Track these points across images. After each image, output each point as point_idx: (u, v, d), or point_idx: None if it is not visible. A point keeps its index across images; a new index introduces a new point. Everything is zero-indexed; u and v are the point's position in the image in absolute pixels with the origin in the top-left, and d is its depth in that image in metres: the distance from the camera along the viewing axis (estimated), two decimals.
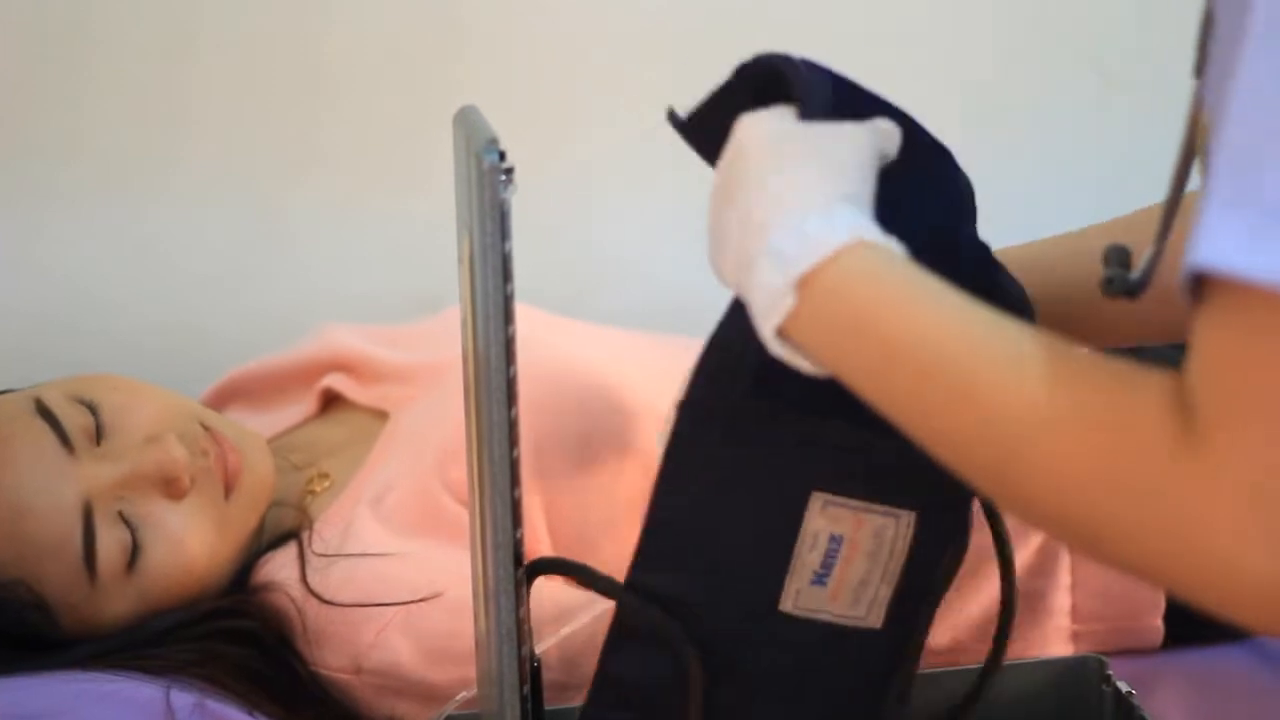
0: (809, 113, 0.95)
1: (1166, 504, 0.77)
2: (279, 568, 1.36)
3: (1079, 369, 0.81)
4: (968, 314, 0.85)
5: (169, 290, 1.91)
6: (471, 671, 1.23)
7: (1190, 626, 1.43)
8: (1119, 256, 0.94)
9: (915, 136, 0.99)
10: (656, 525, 1.04)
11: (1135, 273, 0.92)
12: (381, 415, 1.51)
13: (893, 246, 0.89)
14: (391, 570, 1.34)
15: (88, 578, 1.30)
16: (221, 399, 1.63)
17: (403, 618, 1.31)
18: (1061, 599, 1.41)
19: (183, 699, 1.21)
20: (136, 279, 1.90)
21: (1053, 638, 1.41)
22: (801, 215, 0.89)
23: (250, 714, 1.23)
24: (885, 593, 1.04)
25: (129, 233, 1.90)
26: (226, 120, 1.90)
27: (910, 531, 1.04)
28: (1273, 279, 0.73)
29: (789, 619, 1.04)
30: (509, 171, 0.97)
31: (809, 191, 0.90)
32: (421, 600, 1.31)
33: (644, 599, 1.04)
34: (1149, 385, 0.79)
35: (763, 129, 0.95)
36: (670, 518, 1.04)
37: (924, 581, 1.05)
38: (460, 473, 1.33)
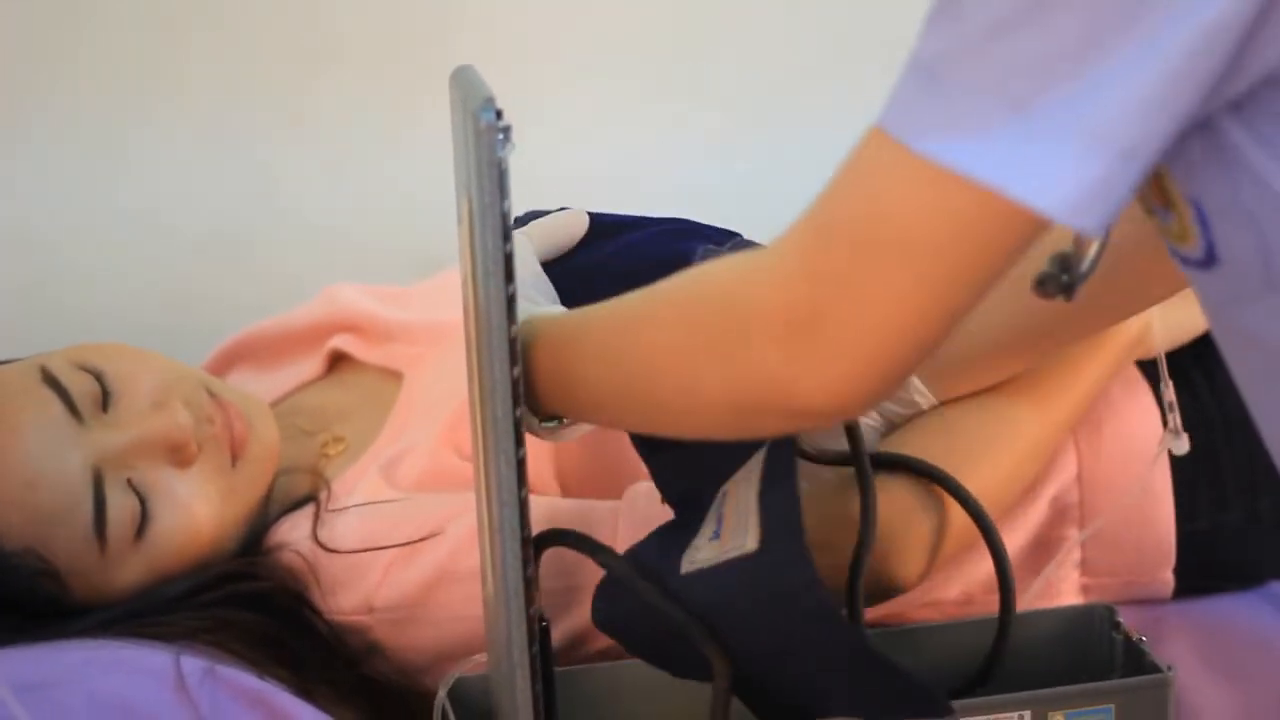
0: None
1: (734, 296, 0.88)
2: (290, 529, 1.37)
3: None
4: (615, 305, 1.00)
5: (162, 254, 1.90)
6: (479, 589, 1.24)
7: (1201, 579, 1.43)
8: (1060, 260, 0.95)
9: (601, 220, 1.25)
10: None
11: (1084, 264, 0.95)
12: (391, 375, 1.51)
13: (545, 308, 1.09)
14: (394, 513, 1.35)
15: (98, 546, 1.30)
16: (228, 361, 1.63)
17: (408, 552, 1.31)
18: (1071, 552, 1.41)
19: (193, 665, 1.21)
20: (128, 243, 1.90)
21: (1063, 590, 1.41)
22: None
23: (260, 679, 1.23)
24: (753, 507, 1.07)
25: (119, 197, 1.90)
26: (220, 80, 1.89)
27: (764, 450, 1.09)
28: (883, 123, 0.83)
29: (686, 579, 1.08)
30: (506, 130, 0.97)
31: None
32: (423, 540, 1.32)
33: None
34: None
35: None
36: None
37: (782, 487, 1.07)
38: (468, 433, 1.34)
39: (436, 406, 1.43)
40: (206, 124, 1.89)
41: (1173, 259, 0.92)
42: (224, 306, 1.78)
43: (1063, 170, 0.80)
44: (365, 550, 1.32)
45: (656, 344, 0.94)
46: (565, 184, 1.88)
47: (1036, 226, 0.82)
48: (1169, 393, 1.36)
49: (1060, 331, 1.31)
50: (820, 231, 0.85)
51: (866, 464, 1.21)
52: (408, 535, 1.32)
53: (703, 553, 1.09)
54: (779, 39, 1.93)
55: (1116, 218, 0.83)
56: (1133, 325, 1.36)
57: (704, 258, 1.08)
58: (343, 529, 1.34)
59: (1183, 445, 1.35)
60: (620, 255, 1.22)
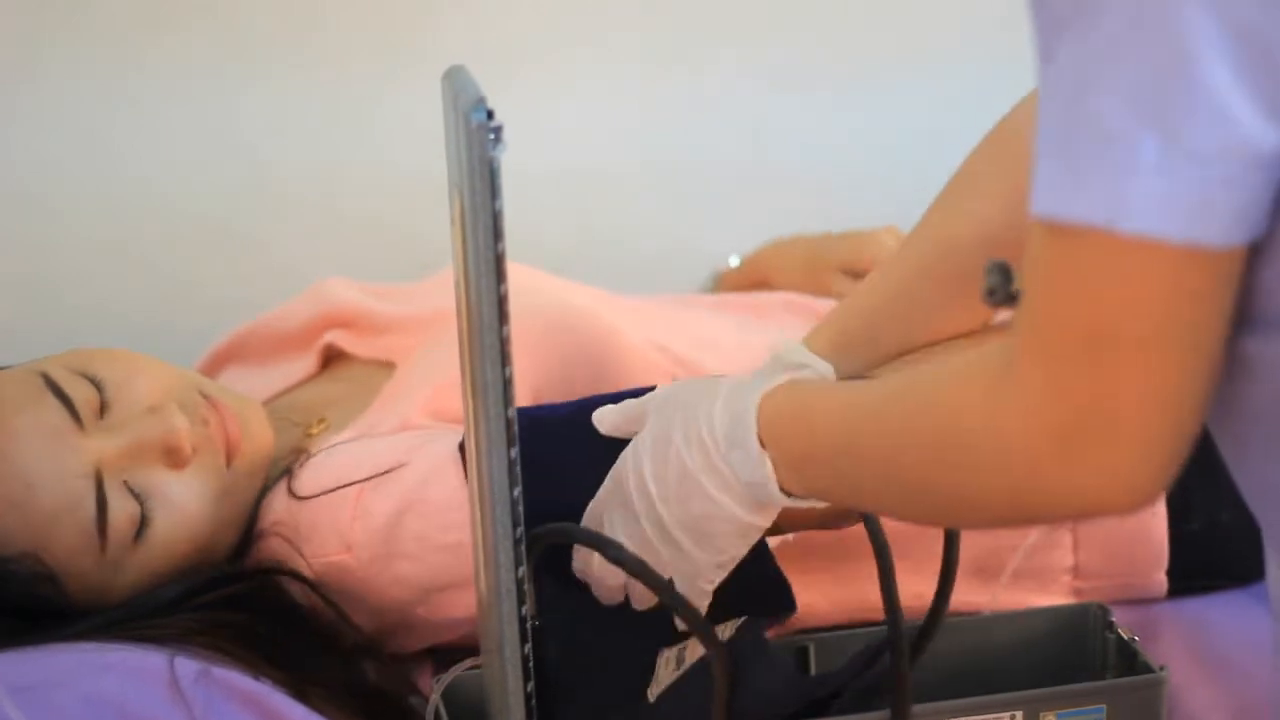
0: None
1: (988, 435, 0.88)
2: (270, 500, 1.39)
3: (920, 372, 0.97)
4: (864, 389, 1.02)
5: (157, 246, 1.91)
6: (453, 516, 1.27)
7: (1194, 579, 1.43)
8: (1000, 270, 0.96)
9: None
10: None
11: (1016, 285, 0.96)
12: (385, 366, 1.52)
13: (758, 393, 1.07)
14: (357, 450, 1.36)
15: (99, 549, 1.30)
16: (221, 359, 1.64)
17: (374, 483, 1.32)
18: (1063, 557, 1.41)
19: (187, 667, 1.21)
20: (123, 235, 1.90)
21: (1056, 596, 1.41)
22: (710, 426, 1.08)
23: (255, 680, 1.24)
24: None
25: (112, 187, 1.90)
26: (214, 76, 1.90)
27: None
28: (1071, 214, 0.81)
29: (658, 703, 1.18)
30: (498, 130, 0.97)
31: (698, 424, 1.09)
32: (387, 472, 1.33)
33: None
34: (980, 351, 0.90)
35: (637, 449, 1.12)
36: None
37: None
38: (446, 401, 1.38)
39: (424, 385, 1.43)
40: (201, 113, 1.89)
41: None
42: (218, 298, 1.79)
43: (1218, 203, 0.79)
44: (335, 490, 1.33)
45: (903, 465, 0.96)
46: (556, 180, 1.89)
47: (1234, 260, 0.81)
48: None
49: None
50: (1050, 350, 0.84)
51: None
52: (372, 469, 1.34)
53: (665, 672, 1.16)
54: (777, 39, 1.94)
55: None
56: None
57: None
58: (311, 475, 1.36)
59: None
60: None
